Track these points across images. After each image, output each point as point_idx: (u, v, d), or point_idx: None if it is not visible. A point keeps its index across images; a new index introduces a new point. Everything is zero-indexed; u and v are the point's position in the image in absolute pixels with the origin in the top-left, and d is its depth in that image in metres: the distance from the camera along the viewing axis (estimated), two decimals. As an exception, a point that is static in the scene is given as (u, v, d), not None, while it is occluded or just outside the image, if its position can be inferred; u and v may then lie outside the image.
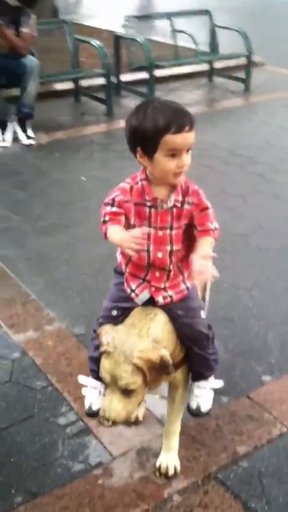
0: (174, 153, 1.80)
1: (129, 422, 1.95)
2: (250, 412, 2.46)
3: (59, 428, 2.37)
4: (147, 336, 1.85)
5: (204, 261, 1.82)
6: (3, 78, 5.55)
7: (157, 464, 2.18)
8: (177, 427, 2.19)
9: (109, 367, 1.81)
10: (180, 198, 1.90)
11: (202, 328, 2.00)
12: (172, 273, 1.97)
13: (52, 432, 2.35)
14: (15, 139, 5.68)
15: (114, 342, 1.83)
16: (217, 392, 2.21)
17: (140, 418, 2.39)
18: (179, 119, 1.78)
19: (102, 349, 1.84)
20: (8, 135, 5.64)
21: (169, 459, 2.17)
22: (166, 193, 1.90)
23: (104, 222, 1.89)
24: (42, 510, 2.03)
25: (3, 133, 5.62)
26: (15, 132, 5.69)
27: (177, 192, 1.90)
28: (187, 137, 1.79)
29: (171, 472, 2.15)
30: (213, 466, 2.21)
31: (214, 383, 2.17)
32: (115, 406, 1.81)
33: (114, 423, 1.83)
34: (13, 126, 5.69)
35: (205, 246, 1.90)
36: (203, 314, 2.03)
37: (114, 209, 1.90)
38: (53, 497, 2.08)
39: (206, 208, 1.94)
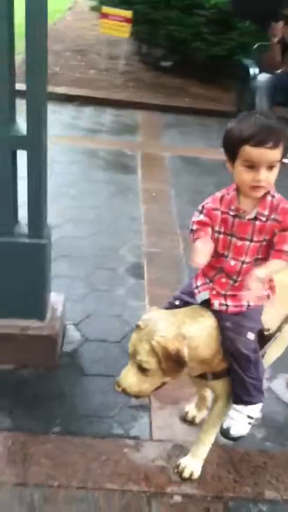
0: (251, 164, 1.81)
1: (140, 397, 2.03)
2: (306, 469, 2.27)
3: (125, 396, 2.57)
4: (177, 327, 1.92)
5: (254, 281, 1.81)
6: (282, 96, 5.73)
7: (178, 462, 2.21)
8: (207, 438, 2.17)
9: (134, 340, 1.94)
10: (266, 213, 1.90)
11: (243, 348, 1.96)
12: (237, 284, 1.98)
13: (118, 395, 2.55)
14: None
15: (147, 321, 1.96)
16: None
17: (197, 421, 2.43)
18: (263, 134, 1.78)
19: (137, 322, 1.99)
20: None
21: (190, 463, 2.18)
22: (252, 205, 1.92)
23: (191, 230, 1.96)
24: (66, 446, 2.27)
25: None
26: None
27: (263, 206, 1.90)
28: (265, 153, 1.79)
29: (185, 474, 2.16)
30: (230, 493, 2.14)
31: (252, 411, 2.08)
32: (129, 378, 1.94)
33: (125, 391, 1.97)
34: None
35: (268, 267, 1.87)
36: (251, 335, 1.98)
37: (201, 217, 1.96)
38: (80, 441, 2.30)
39: (286, 229, 1.89)
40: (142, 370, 1.93)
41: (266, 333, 2.10)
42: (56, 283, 3.32)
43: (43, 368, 2.66)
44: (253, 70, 6.06)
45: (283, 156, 1.88)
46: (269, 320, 2.12)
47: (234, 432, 2.08)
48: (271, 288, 2.02)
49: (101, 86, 7.77)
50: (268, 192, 1.90)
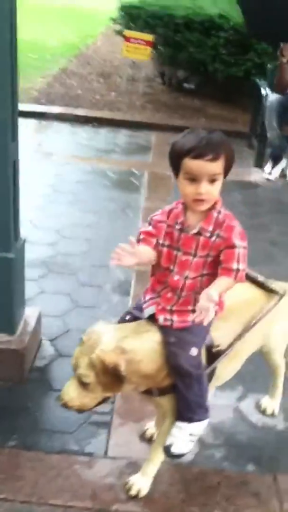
0: (192, 177, 1.82)
1: (82, 411, 2.02)
2: (260, 491, 2.21)
3: (92, 412, 2.55)
4: (118, 341, 1.92)
5: (205, 301, 1.78)
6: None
7: (127, 480, 2.19)
8: (156, 456, 2.14)
9: (76, 354, 1.95)
10: (210, 228, 1.89)
11: (185, 363, 1.93)
12: (182, 299, 1.96)
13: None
14: (283, 176, 5.78)
15: (91, 335, 1.96)
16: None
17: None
18: (202, 147, 1.79)
19: (82, 336, 1.99)
20: (277, 170, 5.77)
21: (138, 480, 2.15)
22: (197, 219, 1.91)
23: (138, 240, 1.98)
24: (18, 460, 2.27)
25: (273, 167, 5.78)
26: (284, 170, 5.79)
27: (207, 221, 1.90)
28: (205, 166, 1.79)
29: (132, 492, 2.13)
30: (177, 513, 2.10)
31: (194, 429, 2.04)
32: (70, 391, 1.95)
33: (66, 405, 1.97)
34: (285, 163, 5.79)
35: (217, 286, 1.85)
36: (194, 351, 1.95)
37: (149, 228, 1.98)
38: (34, 455, 2.29)
39: (233, 247, 1.87)
40: (83, 384, 1.93)
41: (214, 349, 2.07)
42: (41, 298, 3.37)
43: (11, 381, 2.68)
44: (265, 91, 6.04)
45: (226, 170, 1.87)
46: (220, 336, 2.09)
47: (175, 449, 2.04)
48: (220, 304, 2.00)
49: (119, 108, 7.88)
50: (213, 208, 1.90)
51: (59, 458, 2.29)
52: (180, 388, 1.97)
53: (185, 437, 2.04)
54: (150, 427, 2.43)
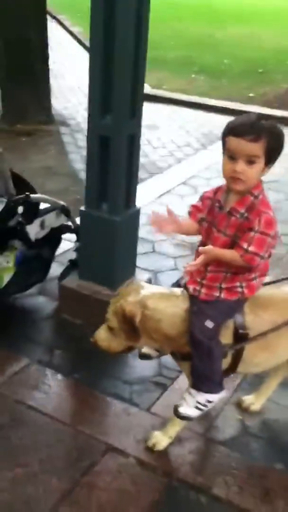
0: (231, 155, 1.90)
1: (111, 353, 2.25)
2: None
3: (158, 373, 2.77)
4: (144, 297, 2.11)
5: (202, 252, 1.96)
6: None
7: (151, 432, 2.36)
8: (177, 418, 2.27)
9: (111, 301, 2.20)
10: (242, 210, 1.97)
11: (199, 333, 2.03)
12: (210, 275, 2.07)
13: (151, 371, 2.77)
14: None
15: (128, 287, 2.19)
16: None
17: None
18: (246, 126, 1.87)
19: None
20: None
21: (158, 436, 2.31)
22: (234, 200, 2.00)
23: (188, 213, 2.16)
24: (77, 391, 2.62)
25: None
26: None
27: (241, 203, 1.97)
28: (244, 145, 1.87)
29: (148, 443, 2.30)
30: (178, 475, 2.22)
31: (202, 398, 2.13)
32: (101, 333, 2.22)
33: (96, 344, 2.23)
34: None
35: (222, 250, 1.99)
36: (209, 324, 2.03)
37: (197, 202, 2.15)
38: (88, 392, 2.63)
39: (252, 229, 1.93)
40: (110, 328, 2.18)
41: (241, 331, 2.11)
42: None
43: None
44: None
45: (268, 156, 1.91)
46: (253, 322, 2.13)
47: (181, 410, 2.17)
48: (250, 286, 2.06)
49: None
50: (251, 192, 1.96)
51: (108, 400, 2.57)
52: (193, 356, 2.09)
53: (192, 403, 2.15)
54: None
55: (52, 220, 3.08)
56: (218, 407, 2.51)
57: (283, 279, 2.33)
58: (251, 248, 1.93)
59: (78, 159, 5.77)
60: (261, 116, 1.93)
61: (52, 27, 10.35)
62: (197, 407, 2.15)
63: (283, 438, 2.46)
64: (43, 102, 6.61)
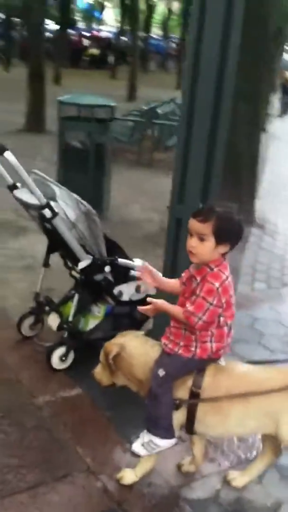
0: (190, 232, 2.30)
1: (103, 385, 2.66)
2: None
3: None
4: (125, 342, 2.54)
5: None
6: None
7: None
8: (143, 459, 2.54)
9: (110, 343, 2.68)
10: (198, 278, 2.33)
11: (152, 379, 2.39)
12: (174, 331, 2.41)
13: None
14: None
15: (123, 335, 2.65)
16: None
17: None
18: (199, 211, 2.29)
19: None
20: None
21: (126, 471, 2.61)
22: (195, 269, 2.37)
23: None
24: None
25: None
26: None
27: (199, 272, 2.34)
28: (195, 224, 2.27)
29: (118, 475, 2.61)
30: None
31: (148, 438, 2.41)
32: (98, 367, 2.68)
33: (93, 376, 2.70)
34: None
35: (171, 306, 2.37)
36: (161, 372, 2.36)
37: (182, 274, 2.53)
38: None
39: (195, 294, 2.28)
40: (102, 365, 2.64)
41: (194, 389, 2.37)
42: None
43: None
44: None
45: (217, 236, 2.24)
46: (211, 385, 2.38)
47: (133, 446, 2.49)
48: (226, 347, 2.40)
49: None
50: (208, 265, 2.30)
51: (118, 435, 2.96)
52: (146, 398, 2.41)
53: (141, 441, 2.45)
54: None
55: (149, 288, 3.63)
56: (207, 473, 2.70)
57: (267, 361, 2.49)
58: (190, 308, 2.26)
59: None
60: (221, 204, 2.29)
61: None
62: (143, 446, 2.44)
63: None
64: (245, 205, 7.22)
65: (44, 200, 3.12)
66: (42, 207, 3.12)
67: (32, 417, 3.04)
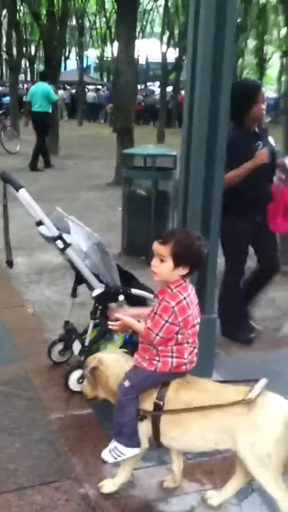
0: (153, 253, 2.52)
1: (88, 398, 2.87)
2: None
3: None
4: (104, 356, 2.77)
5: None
6: None
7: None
8: (122, 470, 2.72)
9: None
10: (160, 297, 2.53)
11: (118, 388, 2.60)
12: (141, 345, 2.62)
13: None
14: None
15: (109, 351, 2.88)
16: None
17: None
18: (161, 233, 2.52)
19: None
20: None
21: (107, 481, 2.77)
22: (159, 288, 2.58)
23: None
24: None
25: None
26: None
27: (161, 292, 2.55)
28: (156, 245, 2.50)
29: (99, 484, 2.78)
30: None
31: (114, 446, 2.59)
32: (85, 382, 2.92)
33: (81, 390, 2.94)
34: None
35: (133, 321, 2.60)
36: (126, 383, 2.55)
37: None
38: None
39: (153, 312, 2.49)
40: (86, 377, 2.89)
41: (156, 401, 2.55)
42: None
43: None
44: None
45: (176, 259, 2.44)
46: (172, 399, 2.54)
47: (103, 454, 2.65)
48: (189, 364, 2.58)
49: None
50: (169, 285, 2.51)
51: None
52: (114, 407, 2.61)
53: (109, 448, 2.62)
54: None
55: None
56: (187, 490, 2.79)
57: (237, 381, 2.60)
58: (148, 325, 2.46)
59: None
60: (184, 230, 2.50)
61: None
62: (110, 452, 2.61)
63: None
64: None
65: (56, 232, 3.48)
66: (55, 238, 3.48)
67: (39, 430, 3.31)
